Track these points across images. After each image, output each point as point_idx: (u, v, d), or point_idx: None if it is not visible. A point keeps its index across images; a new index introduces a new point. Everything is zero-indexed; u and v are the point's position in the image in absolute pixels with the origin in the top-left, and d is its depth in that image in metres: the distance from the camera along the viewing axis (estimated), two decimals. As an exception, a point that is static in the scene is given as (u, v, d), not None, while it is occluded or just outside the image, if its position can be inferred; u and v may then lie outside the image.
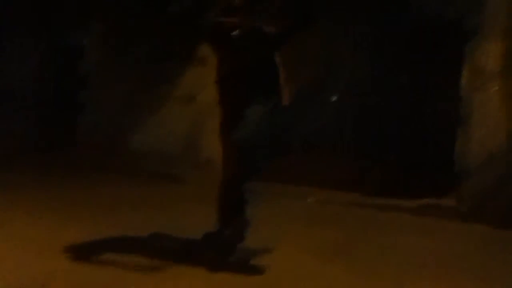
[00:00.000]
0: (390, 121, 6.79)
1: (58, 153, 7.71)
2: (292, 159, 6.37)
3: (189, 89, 7.13)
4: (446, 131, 5.72)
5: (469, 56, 5.47)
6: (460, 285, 3.82)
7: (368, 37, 6.86)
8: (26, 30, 8.46)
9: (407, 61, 6.66)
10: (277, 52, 3.93)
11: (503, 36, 5.30)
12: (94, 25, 7.98)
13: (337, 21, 6.56)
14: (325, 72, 7.01)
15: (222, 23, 3.89)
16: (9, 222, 4.66)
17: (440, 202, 5.61)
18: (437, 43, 6.35)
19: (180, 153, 7.19)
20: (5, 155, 7.28)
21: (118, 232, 4.44)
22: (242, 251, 3.84)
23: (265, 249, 4.12)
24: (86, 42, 8.09)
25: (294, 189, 6.34)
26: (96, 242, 4.26)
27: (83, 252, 4.02)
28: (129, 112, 7.61)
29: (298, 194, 6.20)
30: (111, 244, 4.26)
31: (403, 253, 4.39)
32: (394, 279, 3.83)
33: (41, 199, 5.62)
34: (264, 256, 4.00)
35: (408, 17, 6.38)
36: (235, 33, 3.80)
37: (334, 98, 7.00)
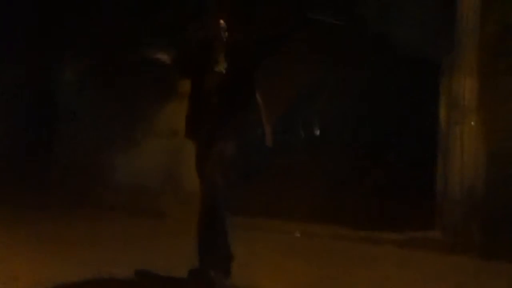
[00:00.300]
0: (368, 155, 6.87)
1: (34, 186, 7.53)
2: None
3: (170, 123, 7.08)
4: (426, 165, 5.79)
5: (446, 91, 5.58)
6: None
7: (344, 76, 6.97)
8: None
9: (384, 97, 6.82)
10: (258, 91, 3.92)
11: (478, 71, 5.41)
12: (74, 58, 7.93)
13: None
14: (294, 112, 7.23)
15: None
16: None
17: (425, 234, 5.57)
18: (415, 79, 6.47)
19: (160, 187, 7.11)
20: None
21: (98, 270, 4.26)
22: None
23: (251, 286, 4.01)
24: (65, 75, 8.01)
25: (279, 223, 6.25)
26: (76, 282, 4.08)
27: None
28: (108, 145, 7.53)
29: (283, 228, 6.11)
30: (91, 284, 4.09)
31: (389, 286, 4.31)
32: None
33: (19, 233, 5.51)
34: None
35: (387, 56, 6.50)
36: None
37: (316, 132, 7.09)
